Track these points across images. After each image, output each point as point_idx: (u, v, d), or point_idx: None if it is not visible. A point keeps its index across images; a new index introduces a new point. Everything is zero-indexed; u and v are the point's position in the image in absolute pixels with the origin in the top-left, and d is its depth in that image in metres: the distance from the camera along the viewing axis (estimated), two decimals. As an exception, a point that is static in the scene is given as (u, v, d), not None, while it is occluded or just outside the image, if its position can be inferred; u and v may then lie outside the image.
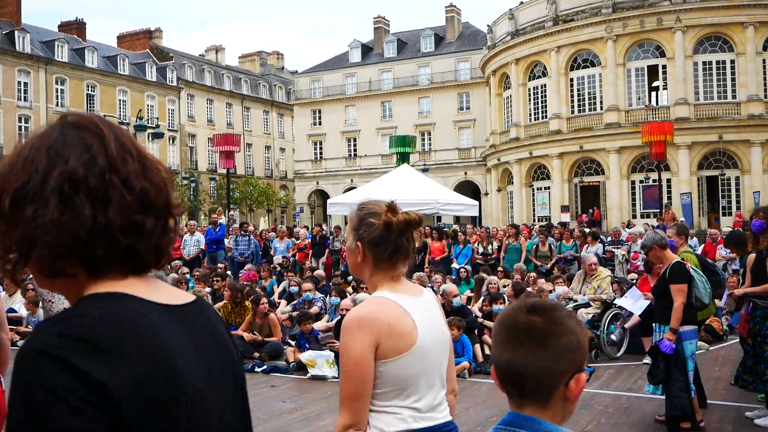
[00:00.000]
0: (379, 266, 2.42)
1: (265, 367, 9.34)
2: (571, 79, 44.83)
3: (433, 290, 12.61)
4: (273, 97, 74.76)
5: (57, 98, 52.89)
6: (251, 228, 20.16)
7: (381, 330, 2.26)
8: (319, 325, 10.35)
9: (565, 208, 43.53)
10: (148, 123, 39.66)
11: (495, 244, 17.70)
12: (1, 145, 48.94)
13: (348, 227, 2.54)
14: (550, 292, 10.55)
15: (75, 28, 58.51)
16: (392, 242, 2.39)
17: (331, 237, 20.25)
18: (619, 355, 10.29)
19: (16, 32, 50.40)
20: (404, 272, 2.48)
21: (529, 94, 47.51)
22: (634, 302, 9.36)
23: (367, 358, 2.24)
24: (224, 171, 31.83)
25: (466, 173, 58.16)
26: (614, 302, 10.11)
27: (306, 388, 8.38)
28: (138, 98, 58.40)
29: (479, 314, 10.68)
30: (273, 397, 7.79)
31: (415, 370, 2.29)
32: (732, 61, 40.33)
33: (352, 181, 61.12)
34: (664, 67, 41.72)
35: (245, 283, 12.69)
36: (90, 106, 54.83)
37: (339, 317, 9.63)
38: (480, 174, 56.71)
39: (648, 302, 7.98)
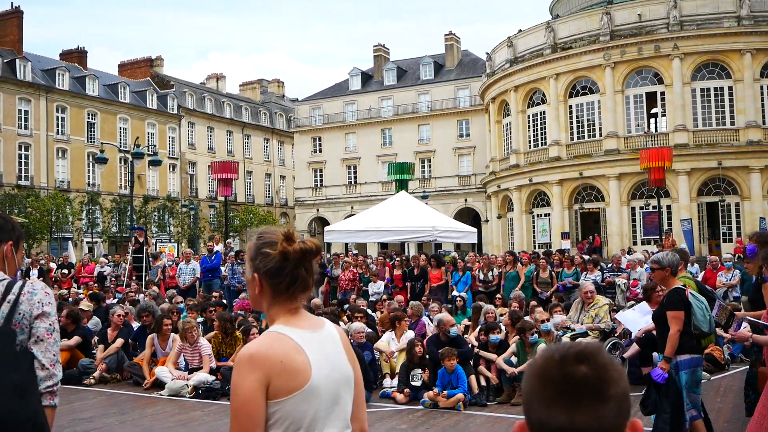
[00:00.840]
0: (277, 298, 2.30)
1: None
2: (570, 106, 44.93)
3: (430, 318, 12.46)
4: (273, 125, 75.01)
5: (57, 126, 53.03)
6: (248, 256, 20.00)
7: (272, 367, 2.14)
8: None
9: (565, 235, 43.40)
10: (148, 150, 39.69)
11: (495, 271, 17.53)
12: (1, 173, 48.98)
13: (246, 257, 2.40)
14: (547, 320, 10.37)
15: (76, 56, 58.87)
16: (288, 273, 2.27)
17: (329, 265, 20.10)
18: (618, 385, 10.08)
19: (17, 60, 50.67)
20: (304, 304, 2.37)
21: (529, 121, 47.61)
22: (641, 316, 9.08)
23: (256, 397, 2.11)
24: (223, 198, 31.79)
25: (466, 200, 58.15)
26: (615, 316, 9.94)
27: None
28: (139, 126, 58.57)
29: (476, 343, 10.51)
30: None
31: (309, 410, 2.17)
32: (730, 88, 40.44)
33: (352, 208, 61.07)
34: (662, 93, 41.83)
35: (238, 312, 12.52)
36: (90, 134, 54.98)
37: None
38: (480, 201, 56.68)
39: (648, 320, 7.78)
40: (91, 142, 54.20)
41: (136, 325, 11.45)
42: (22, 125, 50.69)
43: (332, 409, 2.24)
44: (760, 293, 6.49)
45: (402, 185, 27.83)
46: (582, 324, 10.29)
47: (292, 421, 2.16)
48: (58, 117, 53.18)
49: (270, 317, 2.34)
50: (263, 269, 2.28)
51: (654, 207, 34.57)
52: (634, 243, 40.09)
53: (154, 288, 18.15)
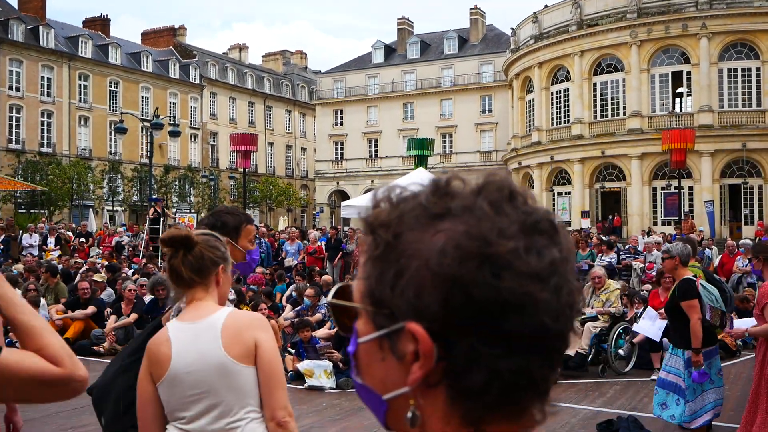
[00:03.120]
0: (177, 290, 2.56)
1: (262, 374, 9.22)
2: (594, 84, 44.37)
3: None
4: (295, 97, 74.87)
5: (80, 94, 53.28)
6: (263, 230, 20.06)
7: (150, 357, 2.44)
8: (320, 333, 10.21)
9: (585, 214, 43.10)
10: (169, 120, 39.76)
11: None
12: (23, 140, 49.40)
13: None
14: None
15: (99, 24, 58.96)
16: (168, 264, 2.52)
17: (345, 240, 20.14)
18: (627, 370, 10.04)
19: (40, 27, 50.83)
20: (199, 296, 2.51)
21: (552, 98, 47.11)
22: (652, 323, 9.06)
23: (143, 381, 2.44)
24: (242, 170, 31.85)
25: (486, 176, 57.78)
26: (632, 328, 9.87)
27: (302, 398, 8.24)
28: (161, 95, 58.72)
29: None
30: (266, 407, 7.67)
31: (173, 396, 2.39)
32: (757, 69, 39.68)
33: (372, 182, 60.98)
34: (688, 73, 41.15)
35: (250, 286, 12.58)
36: (113, 103, 55.21)
37: (339, 326, 9.47)
38: (500, 177, 56.28)
39: (665, 322, 7.72)
40: (113, 110, 54.43)
41: (148, 298, 11.52)
42: (45, 92, 50.96)
43: (201, 396, 2.38)
44: None
45: (421, 161, 27.73)
46: (592, 308, 10.22)
47: (166, 405, 2.42)
48: (80, 85, 53.41)
49: None
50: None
51: (675, 188, 34.14)
52: (654, 224, 39.72)
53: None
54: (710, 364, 6.39)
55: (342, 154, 65.14)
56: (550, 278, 0.74)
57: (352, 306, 0.81)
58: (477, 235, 0.73)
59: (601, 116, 44.12)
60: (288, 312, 11.71)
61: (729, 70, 40.17)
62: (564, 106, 46.04)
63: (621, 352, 10.13)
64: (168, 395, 2.41)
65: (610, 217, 42.62)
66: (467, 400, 0.75)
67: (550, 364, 0.77)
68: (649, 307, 9.65)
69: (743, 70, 40.05)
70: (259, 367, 2.41)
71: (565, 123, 45.84)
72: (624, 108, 42.72)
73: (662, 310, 8.45)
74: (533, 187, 48.34)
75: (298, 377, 8.94)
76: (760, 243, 5.88)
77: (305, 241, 19.56)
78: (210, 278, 2.52)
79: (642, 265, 16.25)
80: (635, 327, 9.83)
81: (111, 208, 51.82)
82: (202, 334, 2.41)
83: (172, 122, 35.13)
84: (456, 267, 0.72)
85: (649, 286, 13.69)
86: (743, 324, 6.19)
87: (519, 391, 0.75)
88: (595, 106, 44.40)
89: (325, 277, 13.90)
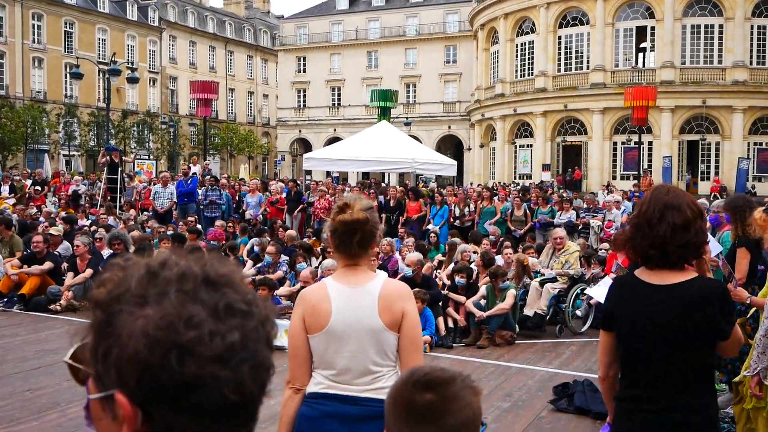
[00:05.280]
0: (336, 255, 2.87)
1: (223, 334, 9.17)
2: (559, 37, 44.29)
3: (401, 255, 12.46)
4: (257, 42, 73.48)
5: (33, 35, 51.58)
6: (223, 181, 19.82)
7: (306, 308, 2.76)
8: (281, 291, 10.17)
9: (546, 167, 43.48)
10: (127, 64, 38.76)
11: (472, 206, 17.50)
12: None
13: None
14: (475, 253, 10.85)
15: (54, -38, 56.79)
16: (338, 237, 2.76)
17: (306, 193, 19.98)
18: (583, 330, 10.23)
19: (-9, -36, 48.87)
20: (364, 264, 2.81)
21: (517, 51, 46.95)
22: (605, 289, 9.10)
23: (297, 328, 2.76)
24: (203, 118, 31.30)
25: (449, 127, 57.80)
26: (586, 292, 10.00)
27: (262, 359, 8.25)
28: (118, 37, 57.14)
29: (447, 282, 10.55)
30: (227, 368, 7.63)
31: (327, 348, 2.71)
32: (720, 26, 39.97)
33: (335, 130, 60.57)
34: (652, 28, 41.29)
35: (211, 242, 12.45)
36: (68, 44, 53.57)
37: (300, 286, 9.44)
38: (464, 129, 56.36)
39: None
40: (68, 52, 52.85)
41: (107, 252, 11.32)
42: (-3, 32, 49.25)
43: (352, 353, 2.71)
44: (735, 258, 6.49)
45: (385, 113, 27.54)
46: (552, 269, 10.35)
47: (316, 354, 2.75)
48: (33, 25, 51.67)
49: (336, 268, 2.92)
50: (330, 230, 2.83)
51: (636, 143, 34.54)
52: (614, 178, 40.21)
53: (132, 211, 17.99)
54: None
55: (305, 102, 64.40)
56: (231, 358, 0.86)
57: (81, 368, 0.94)
58: (165, 325, 0.85)
59: (565, 70, 44.19)
60: (249, 269, 11.64)
61: (692, 27, 40.39)
62: (528, 59, 45.95)
63: (578, 312, 10.31)
64: (322, 347, 2.73)
65: (570, 170, 43.04)
66: None
67: (239, 425, 0.91)
68: (606, 277, 9.76)
69: (706, 26, 40.28)
70: (403, 333, 2.71)
71: (529, 76, 45.82)
72: (588, 62, 42.81)
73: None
74: (496, 139, 48.52)
75: (259, 337, 8.93)
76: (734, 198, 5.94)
77: (267, 193, 19.37)
78: (370, 250, 2.84)
79: (600, 224, 16.39)
80: (588, 291, 9.96)
81: (67, 153, 50.70)
82: (361, 299, 2.73)
83: (130, 66, 34.28)
84: (146, 353, 0.84)
85: (607, 245, 13.86)
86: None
87: None
88: (559, 60, 44.41)
89: (289, 231, 13.79)
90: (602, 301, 8.06)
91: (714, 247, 7.46)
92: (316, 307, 2.73)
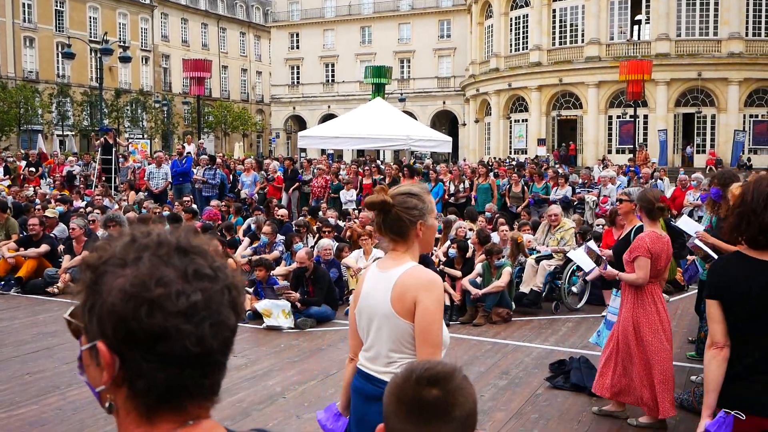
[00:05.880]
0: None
1: (220, 315, 9.19)
2: (554, 10, 44.02)
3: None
4: (250, 19, 72.90)
5: (24, 14, 51.11)
6: (219, 161, 19.75)
7: (357, 287, 3.00)
8: (278, 271, 10.19)
9: (541, 142, 43.44)
10: (120, 43, 38.44)
11: (467, 183, 17.51)
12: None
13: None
14: (471, 230, 10.86)
15: (42, -61, 56.10)
16: (379, 221, 2.89)
17: (301, 171, 19.93)
18: (579, 306, 10.28)
19: (-21, -58, 48.25)
20: (399, 249, 2.86)
21: (511, 24, 46.68)
22: (585, 254, 9.06)
23: (353, 303, 3.01)
24: (196, 96, 31.12)
25: (444, 102, 57.58)
26: (567, 254, 10.01)
27: (260, 339, 8.27)
28: (109, 15, 56.64)
29: (443, 259, 10.58)
30: (225, 349, 7.66)
31: (359, 325, 2.91)
32: (716, -4, 39.79)
33: (329, 107, 60.33)
34: (647, 0, 41.02)
35: (206, 222, 12.44)
36: (59, 23, 53.10)
37: (296, 266, 9.45)
38: (458, 104, 56.16)
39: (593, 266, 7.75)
40: (59, 31, 52.40)
41: (101, 233, 11.30)
42: (-14, 12, 48.76)
43: (370, 331, 2.85)
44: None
45: (379, 89, 27.43)
46: (547, 246, 10.37)
47: (357, 328, 2.96)
48: (24, 4, 51.15)
49: None
50: None
51: (631, 116, 34.49)
52: (609, 152, 40.23)
53: (131, 193, 17.91)
54: None
55: (298, 78, 64.04)
56: (194, 315, 1.01)
57: (76, 323, 1.10)
58: (139, 282, 1.01)
59: (560, 43, 43.98)
60: (245, 249, 11.64)
61: (688, -2, 40.19)
62: (523, 33, 45.71)
63: (574, 289, 10.36)
64: (356, 324, 2.95)
65: (564, 145, 43.01)
66: (138, 398, 1.05)
67: (202, 375, 1.05)
68: (591, 241, 9.75)
69: (702, -3, 40.10)
70: (415, 323, 2.74)
71: (523, 50, 45.61)
72: (582, 35, 42.60)
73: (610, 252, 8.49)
74: (491, 114, 48.39)
75: (256, 317, 8.96)
76: (645, 193, 5.98)
77: (262, 172, 19.30)
78: (409, 235, 2.83)
79: (595, 198, 16.43)
80: (570, 254, 9.98)
81: (61, 132, 50.46)
82: (382, 283, 2.81)
83: (122, 45, 34.01)
84: (121, 306, 1.00)
85: (602, 221, 13.89)
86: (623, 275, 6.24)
87: (174, 395, 1.05)
88: (553, 33, 44.18)
89: (281, 211, 13.75)
90: (584, 267, 8.10)
91: (688, 226, 7.49)
92: (358, 286, 2.98)
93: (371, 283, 2.86)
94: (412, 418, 1.48)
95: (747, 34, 39.67)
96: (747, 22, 39.70)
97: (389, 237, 2.86)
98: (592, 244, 8.11)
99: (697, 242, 6.07)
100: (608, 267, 6.48)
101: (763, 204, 3.05)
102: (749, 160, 38.39)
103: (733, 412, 3.05)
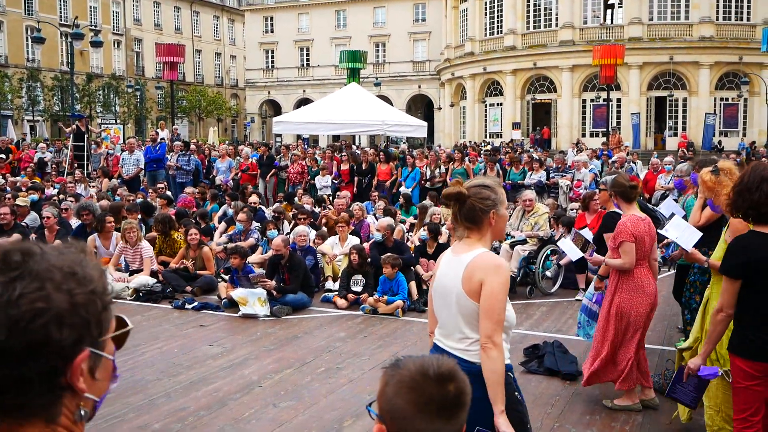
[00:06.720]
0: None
1: (195, 304, 9.18)
2: (528, -6, 44.10)
3: (375, 217, 12.54)
4: (224, 2, 72.08)
5: (-9, -3, 50.10)
6: (193, 147, 19.61)
7: (435, 271, 3.31)
8: (253, 258, 10.18)
9: (516, 125, 43.61)
10: (91, 26, 37.88)
11: (443, 168, 17.55)
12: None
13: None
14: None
15: None
16: (455, 211, 3.14)
17: (278, 157, 19.84)
18: (553, 290, 10.39)
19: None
20: (472, 237, 3.12)
21: (486, 8, 46.68)
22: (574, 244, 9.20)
23: (431, 284, 3.30)
24: (169, 81, 30.79)
25: (419, 86, 57.52)
26: (556, 243, 10.11)
27: (236, 328, 8.26)
28: (80, -1, 55.67)
29: (418, 244, 10.64)
30: (200, 339, 7.64)
31: (435, 304, 3.23)
32: (687, -19, 40.07)
33: (304, 91, 60.05)
34: (620, -16, 41.24)
35: (180, 209, 12.37)
36: (28, 6, 52.14)
37: (272, 253, 9.44)
38: (434, 88, 56.14)
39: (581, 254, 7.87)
40: (29, 14, 51.46)
41: (75, 222, 11.21)
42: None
43: (442, 308, 3.15)
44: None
45: (354, 74, 27.37)
46: (522, 231, 10.47)
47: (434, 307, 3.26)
48: (-10, -14, 50.18)
49: None
50: None
51: (604, 100, 34.73)
52: (583, 135, 40.49)
53: (104, 181, 17.72)
54: None
55: (273, 62, 63.59)
56: None
57: None
58: None
59: (534, 27, 44.09)
60: (220, 236, 11.61)
61: (660, -18, 40.44)
62: (498, 17, 45.74)
63: (548, 273, 10.47)
64: (433, 303, 3.24)
65: (538, 128, 43.23)
66: None
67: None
68: (574, 229, 9.90)
69: (673, -18, 40.37)
70: (480, 301, 2.99)
71: (498, 34, 45.67)
72: (557, 19, 42.73)
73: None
74: (466, 98, 48.47)
75: (232, 305, 8.96)
76: (615, 179, 6.10)
77: (238, 158, 19.21)
78: (483, 224, 3.08)
79: (569, 183, 16.55)
80: (560, 243, 10.09)
81: (31, 118, 49.68)
82: (455, 267, 3.07)
83: (93, 29, 33.52)
84: None
85: (576, 205, 14.02)
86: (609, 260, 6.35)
87: None
88: (528, 17, 44.27)
89: (252, 197, 13.62)
90: (572, 256, 8.20)
91: (670, 209, 7.59)
92: (435, 269, 3.29)
93: (445, 267, 3.16)
94: (444, 414, 1.59)
95: (717, 18, 40.05)
96: (717, 7, 40.07)
97: (464, 225, 3.11)
98: (586, 232, 8.20)
99: (582, 232, 6.34)
100: (594, 254, 6.58)
101: (756, 185, 3.65)
102: (720, 143, 38.87)
103: (722, 371, 4.00)
